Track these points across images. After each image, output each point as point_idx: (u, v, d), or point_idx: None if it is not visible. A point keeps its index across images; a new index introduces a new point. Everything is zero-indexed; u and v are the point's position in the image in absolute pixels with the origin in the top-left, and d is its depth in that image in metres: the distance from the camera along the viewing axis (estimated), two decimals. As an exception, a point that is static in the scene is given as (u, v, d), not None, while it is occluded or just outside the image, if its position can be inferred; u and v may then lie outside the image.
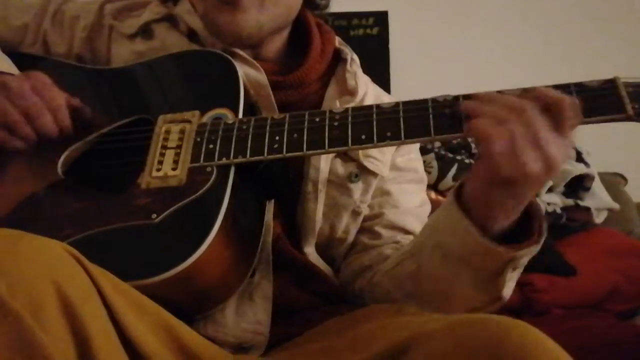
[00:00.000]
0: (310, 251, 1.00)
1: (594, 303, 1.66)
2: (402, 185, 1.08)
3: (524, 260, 0.82)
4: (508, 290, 0.85)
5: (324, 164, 0.98)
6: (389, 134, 0.82)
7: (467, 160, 1.83)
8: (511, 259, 0.80)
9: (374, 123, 0.83)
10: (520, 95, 0.77)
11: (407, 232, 1.05)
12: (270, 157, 0.84)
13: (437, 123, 0.80)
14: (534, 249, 0.81)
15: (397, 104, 0.84)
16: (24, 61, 1.05)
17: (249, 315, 0.89)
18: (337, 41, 1.11)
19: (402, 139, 0.81)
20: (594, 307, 1.65)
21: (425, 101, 0.83)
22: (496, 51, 2.50)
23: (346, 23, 2.38)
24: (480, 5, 2.54)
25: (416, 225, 1.06)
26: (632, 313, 1.68)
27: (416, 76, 2.33)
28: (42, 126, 0.89)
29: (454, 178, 1.80)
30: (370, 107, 0.85)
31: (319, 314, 0.93)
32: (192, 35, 1.03)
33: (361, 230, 1.04)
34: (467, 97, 0.82)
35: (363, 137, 0.82)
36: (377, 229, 1.04)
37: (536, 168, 0.74)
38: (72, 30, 1.09)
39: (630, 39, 2.52)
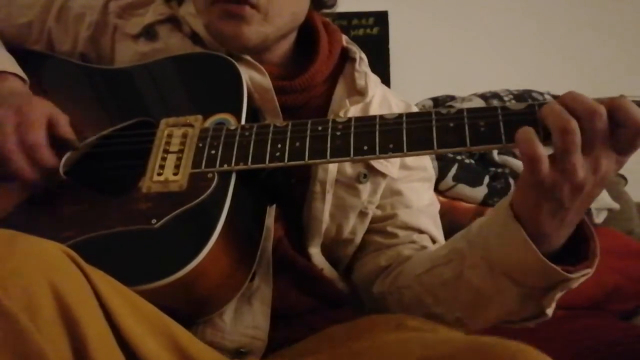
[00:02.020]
0: (315, 252, 0.99)
1: (594, 303, 1.66)
2: (412, 183, 1.07)
3: (577, 283, 0.80)
4: (551, 310, 0.83)
5: (333, 164, 0.97)
6: (391, 145, 0.81)
7: (467, 161, 1.83)
8: (566, 280, 0.78)
9: (377, 134, 0.82)
10: (599, 100, 0.74)
11: (421, 231, 1.04)
12: (272, 165, 0.84)
13: (441, 136, 0.79)
14: (589, 272, 0.79)
15: (400, 116, 0.83)
16: (29, 58, 1.05)
17: (247, 320, 0.88)
18: (345, 40, 1.10)
19: (405, 151, 0.80)
20: (594, 307, 1.64)
21: (428, 113, 0.82)
22: (496, 51, 2.50)
23: (346, 23, 2.38)
24: (480, 5, 2.54)
25: (430, 224, 1.05)
26: (632, 313, 1.67)
27: (416, 76, 2.33)
28: (12, 171, 0.86)
29: (454, 178, 1.80)
30: (373, 117, 0.84)
31: (319, 319, 0.93)
32: (195, 37, 1.03)
33: (375, 231, 1.04)
34: (473, 110, 0.80)
35: (365, 147, 0.82)
36: (391, 229, 1.03)
37: (581, 175, 0.72)
38: (77, 28, 1.08)
39: (630, 40, 2.52)
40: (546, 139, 0.74)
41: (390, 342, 0.76)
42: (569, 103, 0.73)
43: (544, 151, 0.72)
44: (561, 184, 0.73)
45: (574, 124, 0.71)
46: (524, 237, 0.77)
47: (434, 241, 1.05)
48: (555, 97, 1.95)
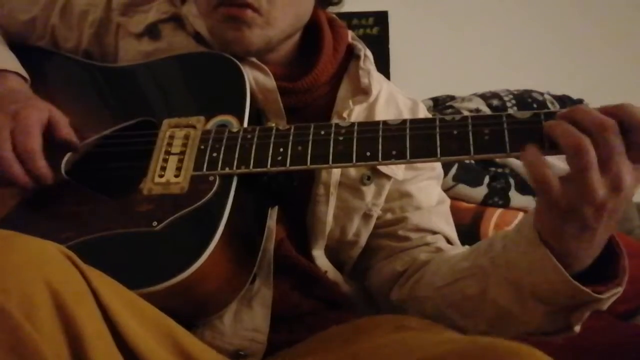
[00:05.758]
0: (318, 254, 0.98)
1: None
2: (421, 183, 1.05)
3: (608, 304, 0.77)
4: (579, 327, 0.81)
5: None
6: (394, 152, 0.80)
7: (467, 160, 1.83)
8: (597, 300, 0.76)
9: (380, 140, 0.81)
10: (603, 111, 0.71)
11: (434, 232, 1.03)
12: (274, 169, 0.83)
13: (444, 144, 0.78)
14: (620, 290, 0.76)
15: (404, 122, 0.82)
16: (31, 55, 1.05)
17: (247, 323, 0.88)
18: (350, 36, 1.08)
19: (408, 158, 0.80)
20: (594, 308, 1.64)
21: (432, 120, 0.81)
22: (496, 51, 2.50)
23: (346, 23, 2.38)
24: (480, 5, 2.54)
25: (442, 224, 1.04)
26: (632, 313, 1.67)
27: (416, 76, 2.33)
28: (7, 177, 0.85)
29: (454, 178, 1.80)
30: (377, 123, 0.83)
31: (320, 320, 0.92)
32: (198, 36, 1.02)
33: (386, 235, 1.02)
34: (476, 117, 0.79)
35: (368, 154, 0.81)
36: (403, 232, 1.01)
37: (601, 194, 0.68)
38: (81, 25, 1.07)
39: (630, 39, 2.52)
40: (552, 148, 0.73)
41: (389, 343, 0.75)
42: (578, 119, 0.71)
43: (552, 172, 0.69)
44: (580, 205, 0.70)
45: (587, 142, 0.69)
46: (552, 261, 0.74)
47: (448, 240, 1.04)
48: (555, 97, 1.97)
